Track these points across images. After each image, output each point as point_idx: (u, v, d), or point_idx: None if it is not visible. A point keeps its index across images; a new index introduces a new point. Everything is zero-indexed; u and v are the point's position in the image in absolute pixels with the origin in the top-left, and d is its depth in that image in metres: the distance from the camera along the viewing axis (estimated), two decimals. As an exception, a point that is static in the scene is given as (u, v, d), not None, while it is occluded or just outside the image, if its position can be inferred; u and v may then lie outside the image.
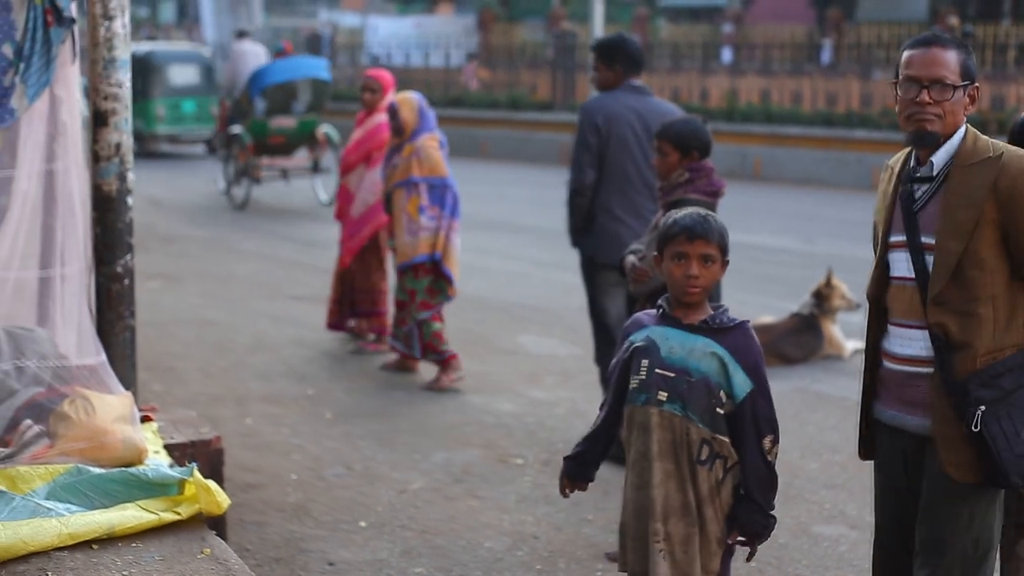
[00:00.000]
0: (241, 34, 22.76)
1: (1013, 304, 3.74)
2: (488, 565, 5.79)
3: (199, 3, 40.41)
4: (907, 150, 3.93)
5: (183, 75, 24.57)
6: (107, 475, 4.64)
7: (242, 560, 4.49)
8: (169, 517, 4.53)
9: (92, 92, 5.78)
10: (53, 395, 5.06)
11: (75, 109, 5.55)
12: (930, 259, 3.76)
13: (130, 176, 5.83)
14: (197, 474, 4.66)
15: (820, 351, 9.56)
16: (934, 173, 3.81)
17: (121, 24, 5.77)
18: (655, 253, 4.06)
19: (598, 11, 26.01)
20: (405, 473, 7.01)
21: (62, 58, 5.45)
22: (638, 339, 4.02)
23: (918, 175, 3.84)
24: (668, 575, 3.89)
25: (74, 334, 5.43)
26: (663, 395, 3.91)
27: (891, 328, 3.91)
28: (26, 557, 4.25)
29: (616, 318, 7.12)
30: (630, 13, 32.93)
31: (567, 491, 4.27)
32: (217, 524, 4.94)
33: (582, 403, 8.04)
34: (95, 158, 5.76)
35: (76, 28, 5.51)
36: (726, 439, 3.91)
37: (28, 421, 4.95)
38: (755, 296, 11.18)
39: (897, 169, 3.95)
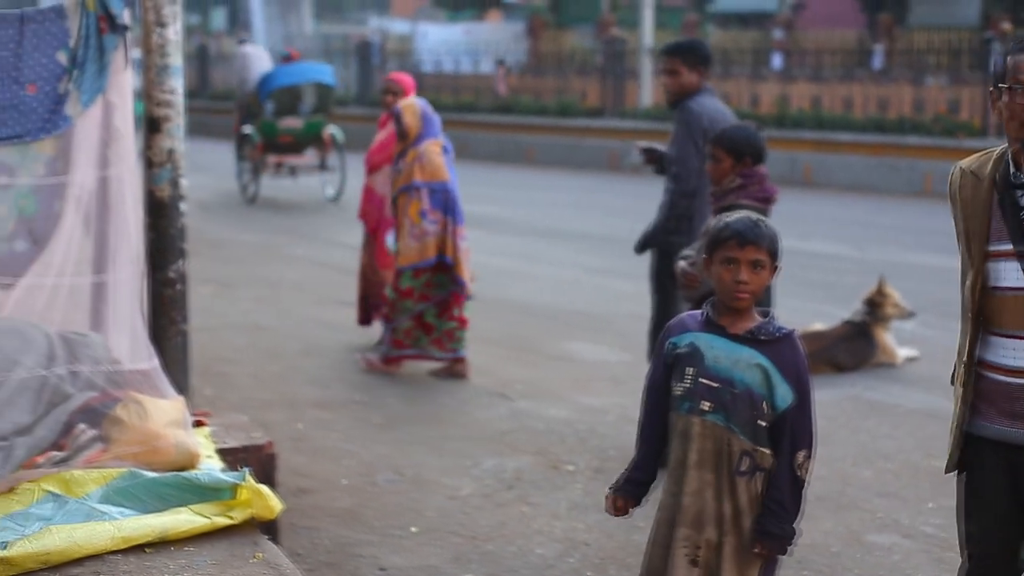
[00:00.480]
0: (242, 41, 24.31)
1: None
2: (539, 572, 5.77)
3: (250, 10, 40.62)
4: (989, 155, 3.80)
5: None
6: (160, 479, 4.67)
7: (294, 565, 4.50)
8: (222, 521, 4.55)
9: (145, 99, 5.83)
10: (107, 399, 5.10)
11: (129, 115, 5.59)
12: None
13: (183, 182, 5.87)
14: (250, 479, 4.67)
15: (872, 359, 9.48)
16: None
17: (174, 31, 5.82)
18: (704, 256, 4.01)
19: (647, 17, 25.99)
20: (456, 479, 7.00)
21: (116, 65, 5.50)
22: (682, 344, 3.98)
23: (1022, 181, 3.72)
24: None
25: (127, 339, 5.47)
26: (706, 405, 3.88)
27: (997, 339, 3.77)
28: (80, 560, 4.28)
29: None
30: (679, 19, 32.82)
31: (619, 512, 4.20)
32: (269, 529, 4.95)
33: (632, 409, 7.93)
34: (148, 164, 5.81)
35: (129, 35, 5.55)
36: (767, 451, 3.88)
37: (82, 425, 4.99)
38: (806, 303, 11.11)
39: (988, 175, 3.77)
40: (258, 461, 5.54)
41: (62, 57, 5.47)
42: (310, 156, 19.78)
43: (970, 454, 3.88)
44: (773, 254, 3.92)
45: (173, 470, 4.79)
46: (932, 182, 19.53)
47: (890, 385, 9.02)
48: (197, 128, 21.37)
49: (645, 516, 6.32)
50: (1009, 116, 3.70)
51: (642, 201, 17.91)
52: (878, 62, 25.09)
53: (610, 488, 4.19)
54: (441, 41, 34.86)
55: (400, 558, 5.90)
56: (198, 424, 5.42)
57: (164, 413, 5.04)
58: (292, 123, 19.15)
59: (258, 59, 21.16)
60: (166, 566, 4.30)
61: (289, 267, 13.83)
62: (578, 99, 27.20)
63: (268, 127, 19.04)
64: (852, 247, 14.93)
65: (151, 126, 5.85)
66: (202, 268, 11.93)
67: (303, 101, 19.23)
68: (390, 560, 5.87)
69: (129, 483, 4.65)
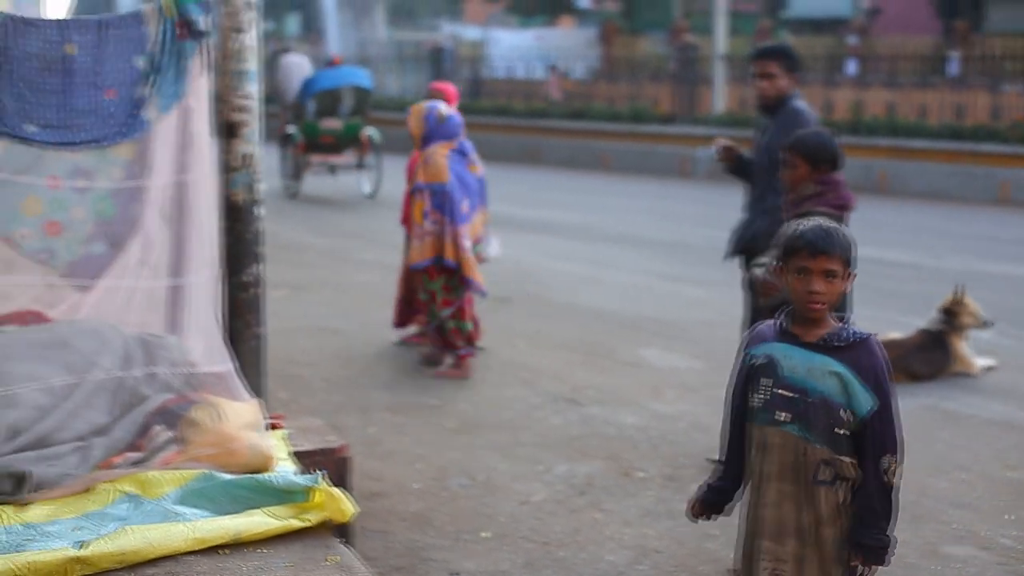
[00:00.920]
0: (285, 50, 26.12)
1: None
2: (610, 579, 5.76)
3: (324, 17, 40.91)
4: None
5: None
6: (236, 481, 4.69)
7: (366, 568, 4.51)
8: (296, 524, 4.56)
9: (222, 104, 5.87)
10: (183, 401, 5.13)
11: (205, 120, 5.63)
12: None
13: (259, 187, 5.90)
14: (324, 482, 4.68)
15: (949, 368, 9.37)
16: None
17: (251, 37, 5.86)
18: (779, 264, 3.94)
19: (720, 23, 25.89)
20: (527, 484, 7.00)
21: (194, 70, 5.54)
22: (759, 355, 3.95)
23: None
24: None
25: (203, 342, 5.51)
26: (782, 415, 3.85)
27: None
28: (155, 560, 4.30)
29: None
30: (753, 25, 32.67)
31: (698, 517, 4.18)
32: (343, 532, 4.96)
33: (704, 417, 7.96)
34: (225, 169, 5.85)
35: (207, 40, 5.59)
36: (849, 459, 3.82)
37: (159, 427, 5.03)
38: (881, 312, 11.00)
39: None
40: (332, 464, 5.55)
41: (140, 62, 5.52)
42: (348, 155, 20.94)
43: None
44: (847, 262, 3.84)
45: (248, 472, 4.81)
46: (1009, 190, 19.30)
47: (967, 395, 8.91)
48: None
49: (718, 524, 6.31)
50: None
51: (713, 208, 17.93)
52: (954, 68, 24.84)
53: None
54: (513, 47, 34.97)
55: (472, 563, 5.91)
56: (273, 427, 5.44)
57: (239, 416, 5.07)
58: (333, 124, 20.32)
59: (298, 67, 22.35)
60: (240, 567, 4.32)
61: (359, 271, 13.89)
62: (651, 105, 27.14)
63: (310, 128, 20.21)
64: (928, 255, 14.77)
65: (228, 131, 5.89)
66: (274, 271, 12.01)
67: (343, 103, 20.42)
68: (462, 565, 5.88)
69: (204, 485, 4.67)
